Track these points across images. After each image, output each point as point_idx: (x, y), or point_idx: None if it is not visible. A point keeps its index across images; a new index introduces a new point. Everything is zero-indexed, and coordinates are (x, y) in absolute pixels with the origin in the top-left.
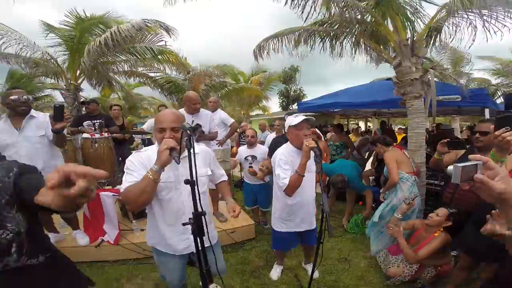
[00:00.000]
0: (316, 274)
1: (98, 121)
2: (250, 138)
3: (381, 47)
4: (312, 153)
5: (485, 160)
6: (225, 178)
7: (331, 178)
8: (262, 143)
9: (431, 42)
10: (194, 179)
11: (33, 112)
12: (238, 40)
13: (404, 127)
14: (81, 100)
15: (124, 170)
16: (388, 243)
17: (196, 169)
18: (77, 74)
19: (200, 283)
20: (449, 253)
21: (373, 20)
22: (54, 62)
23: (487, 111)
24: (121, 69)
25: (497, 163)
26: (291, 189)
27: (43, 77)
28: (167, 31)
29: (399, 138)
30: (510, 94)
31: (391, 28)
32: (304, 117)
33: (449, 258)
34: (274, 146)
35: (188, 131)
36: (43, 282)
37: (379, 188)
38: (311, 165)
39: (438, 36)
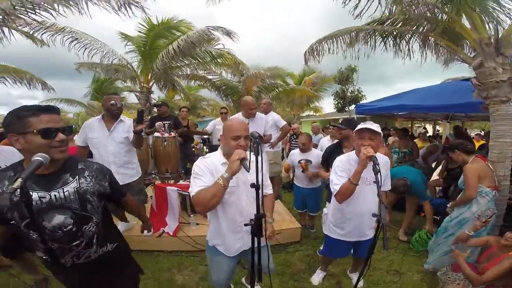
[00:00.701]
0: (361, 284)
1: (167, 122)
2: (302, 146)
3: (456, 45)
4: (370, 163)
5: None
6: (271, 191)
7: (392, 182)
8: (315, 146)
9: None
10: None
11: (122, 117)
12: (287, 39)
13: (483, 132)
14: (153, 102)
15: (192, 174)
16: (451, 262)
17: (262, 175)
18: (149, 77)
19: (242, 280)
20: None
21: (445, 18)
22: (130, 67)
23: None
24: (184, 73)
25: None
26: (341, 196)
27: (118, 80)
28: (228, 35)
29: (476, 145)
30: None
31: (467, 25)
32: (366, 126)
33: None
34: (328, 155)
35: (256, 140)
36: (111, 269)
37: (446, 201)
38: (371, 176)
39: None
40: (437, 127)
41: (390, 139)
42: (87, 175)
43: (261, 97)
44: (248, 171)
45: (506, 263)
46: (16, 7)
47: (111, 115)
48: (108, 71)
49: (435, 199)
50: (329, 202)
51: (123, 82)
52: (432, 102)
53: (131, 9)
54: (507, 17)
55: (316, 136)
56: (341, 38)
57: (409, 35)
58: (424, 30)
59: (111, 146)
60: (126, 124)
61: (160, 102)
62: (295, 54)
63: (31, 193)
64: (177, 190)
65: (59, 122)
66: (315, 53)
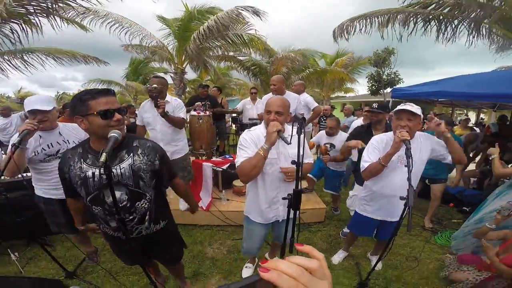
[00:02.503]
0: (379, 266)
1: (206, 102)
2: (329, 130)
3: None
4: (403, 146)
5: None
6: (310, 161)
7: None
8: (347, 128)
9: None
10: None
11: (168, 97)
12: (322, 19)
13: None
14: (201, 83)
15: (238, 146)
16: (469, 246)
17: (303, 148)
18: (182, 59)
19: (266, 255)
20: None
21: (503, 4)
22: (166, 49)
23: None
24: (215, 54)
25: None
26: (367, 173)
27: (155, 62)
28: (257, 14)
29: None
30: None
31: None
32: (405, 107)
33: None
34: (355, 135)
35: (300, 120)
36: (163, 244)
37: (479, 193)
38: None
39: None
40: (482, 115)
41: (426, 126)
42: (140, 153)
43: (290, 78)
44: (288, 143)
45: None
46: None
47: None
48: (146, 52)
49: (468, 190)
50: (358, 184)
51: (159, 64)
52: (478, 90)
53: None
54: None
55: (348, 118)
56: (376, 18)
57: (458, 21)
58: (476, 17)
59: (158, 125)
60: (172, 104)
61: (204, 84)
62: (329, 36)
63: (94, 169)
64: (212, 166)
65: (115, 103)
66: (345, 32)
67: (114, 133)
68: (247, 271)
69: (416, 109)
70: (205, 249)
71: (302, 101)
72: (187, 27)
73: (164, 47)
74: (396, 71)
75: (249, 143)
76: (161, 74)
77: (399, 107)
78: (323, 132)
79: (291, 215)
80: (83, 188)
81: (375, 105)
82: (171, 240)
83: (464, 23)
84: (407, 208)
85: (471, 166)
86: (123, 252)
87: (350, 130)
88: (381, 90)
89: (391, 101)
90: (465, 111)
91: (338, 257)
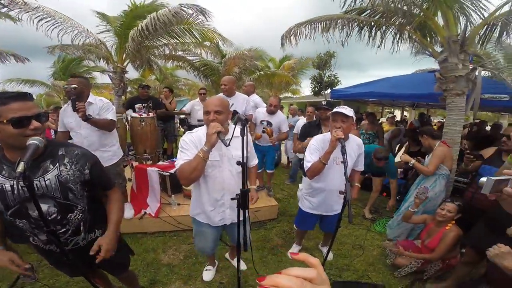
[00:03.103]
0: (330, 257)
1: (148, 103)
2: (273, 108)
3: (428, 40)
4: (339, 144)
5: None
6: (256, 162)
7: (374, 151)
8: (292, 127)
9: (487, 38)
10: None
11: (91, 98)
12: (276, 22)
13: (443, 120)
14: (140, 84)
15: (179, 148)
16: (404, 233)
17: (246, 150)
18: (123, 57)
19: (226, 255)
20: (457, 247)
21: (421, 14)
22: (104, 47)
23: None
24: (161, 53)
25: None
26: (310, 173)
27: (90, 60)
28: (202, 13)
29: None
30: None
31: (441, 22)
32: (339, 110)
33: (457, 252)
34: (304, 132)
35: (243, 122)
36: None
37: (405, 182)
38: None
39: (496, 31)
40: (405, 113)
41: (363, 123)
42: (67, 162)
43: (242, 79)
44: (227, 146)
45: (447, 238)
46: None
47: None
48: (79, 51)
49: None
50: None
51: (94, 62)
52: (399, 91)
53: None
54: (478, 15)
55: (293, 118)
56: (319, 24)
57: (385, 27)
58: (401, 24)
59: (83, 130)
60: (97, 105)
61: (144, 85)
62: (279, 38)
63: (12, 182)
64: (158, 170)
65: (32, 109)
66: (291, 37)
67: (34, 140)
68: (207, 274)
69: (348, 111)
70: (159, 256)
71: (251, 102)
72: (130, 24)
73: (102, 44)
74: (336, 73)
75: (190, 145)
76: (96, 74)
77: (334, 110)
78: (261, 109)
79: (244, 215)
80: (0, 202)
81: (324, 102)
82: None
83: (390, 29)
84: (346, 202)
85: (398, 158)
86: (62, 264)
87: (294, 129)
88: (323, 91)
89: (331, 102)
90: (392, 109)
91: (293, 251)
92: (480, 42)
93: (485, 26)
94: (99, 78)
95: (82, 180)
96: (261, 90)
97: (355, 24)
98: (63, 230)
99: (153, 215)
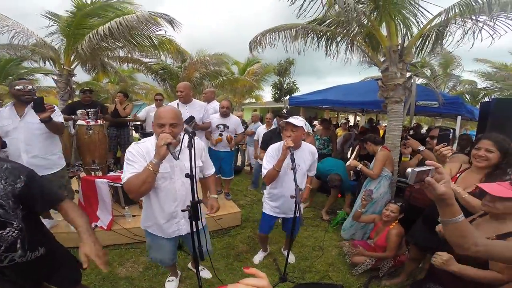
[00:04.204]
0: (293, 259)
1: (92, 109)
2: (225, 109)
3: (373, 50)
4: (289, 153)
5: (437, 166)
6: (213, 171)
7: (329, 176)
8: (253, 133)
9: (424, 48)
10: (193, 173)
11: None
12: (239, 27)
13: None
14: (74, 86)
15: (125, 160)
16: (358, 233)
17: (194, 162)
18: (71, 59)
19: (188, 265)
20: (404, 245)
21: (370, 25)
22: (48, 48)
23: (459, 118)
24: (116, 55)
25: None
26: (267, 179)
27: (33, 61)
28: (171, 23)
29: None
30: (486, 102)
31: (385, 33)
32: (289, 120)
33: (404, 249)
34: (265, 139)
35: (190, 134)
36: (46, 271)
37: (357, 183)
38: (299, 163)
39: (431, 41)
40: (358, 118)
41: (317, 128)
42: None
43: (203, 84)
44: (176, 159)
45: (391, 236)
46: None
47: (21, 102)
48: (20, 51)
49: (349, 181)
50: None
51: (38, 63)
52: (349, 99)
53: None
54: (416, 27)
55: (255, 124)
56: (283, 32)
57: (340, 37)
58: (352, 34)
59: (22, 133)
60: None
61: (87, 88)
62: (245, 44)
63: None
64: (108, 182)
65: None
66: (257, 44)
67: None
68: (170, 285)
69: (298, 122)
70: (115, 270)
71: (211, 109)
72: (81, 24)
73: (46, 45)
74: (294, 80)
75: (137, 157)
76: (39, 76)
77: (286, 120)
78: (214, 115)
79: (200, 225)
80: None
81: (284, 110)
82: (58, 263)
83: (344, 40)
84: (296, 205)
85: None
86: (2, 281)
87: (255, 136)
88: (282, 98)
89: (288, 107)
90: (346, 114)
91: (258, 257)
92: (417, 52)
93: (421, 37)
94: (43, 80)
95: (15, 195)
96: (224, 96)
97: (314, 34)
98: None
99: (105, 228)
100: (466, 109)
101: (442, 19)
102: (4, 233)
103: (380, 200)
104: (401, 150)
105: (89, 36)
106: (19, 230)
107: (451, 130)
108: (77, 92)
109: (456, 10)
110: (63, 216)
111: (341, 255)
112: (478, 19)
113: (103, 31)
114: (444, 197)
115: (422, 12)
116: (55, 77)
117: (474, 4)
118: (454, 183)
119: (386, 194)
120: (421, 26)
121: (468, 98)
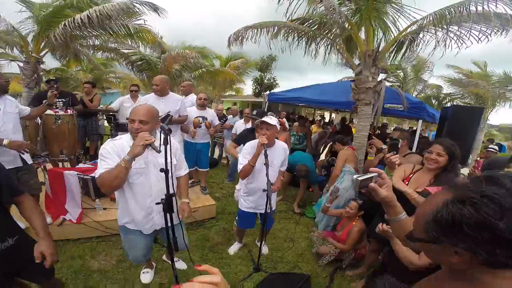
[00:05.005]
0: (266, 251)
1: (62, 99)
2: (203, 101)
3: (350, 53)
4: (263, 149)
5: (380, 172)
6: (187, 172)
7: (296, 167)
8: (231, 127)
9: (398, 53)
10: (169, 168)
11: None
12: (225, 20)
13: None
14: (42, 73)
15: (99, 156)
16: (328, 226)
17: (168, 159)
18: (41, 46)
19: (163, 257)
20: (365, 238)
21: (349, 28)
22: (17, 34)
23: (420, 122)
24: (91, 43)
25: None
26: (242, 174)
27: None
28: (155, 11)
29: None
30: (446, 108)
31: (363, 37)
32: (263, 119)
33: (365, 243)
34: (241, 135)
35: (166, 132)
36: (16, 263)
37: (327, 178)
38: (273, 160)
39: (405, 47)
40: (333, 115)
41: (294, 125)
42: None
43: (182, 76)
44: (159, 152)
45: (353, 232)
46: None
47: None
48: None
49: (320, 177)
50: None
51: (3, 49)
52: (324, 98)
53: None
54: (392, 33)
55: (233, 118)
56: (265, 29)
57: (319, 39)
58: (332, 36)
59: None
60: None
61: (53, 78)
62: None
63: None
64: (77, 174)
65: None
66: (239, 39)
67: None
68: (146, 277)
69: (272, 121)
70: (87, 263)
71: (188, 102)
72: (58, 12)
73: (16, 32)
74: (275, 76)
75: (111, 153)
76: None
77: (261, 119)
78: (191, 108)
79: (175, 217)
80: None
81: (255, 112)
82: (30, 256)
83: (323, 41)
84: (267, 199)
85: (322, 157)
86: None
87: (233, 129)
88: (262, 93)
89: (267, 103)
90: (322, 111)
91: (233, 248)
92: (391, 57)
93: (395, 43)
94: (7, 67)
95: None
96: (204, 88)
97: (295, 33)
98: None
99: (74, 221)
100: (428, 113)
101: (416, 27)
102: None
103: (344, 194)
104: (367, 150)
105: (65, 23)
106: None
107: (400, 140)
108: (45, 79)
109: (431, 19)
110: (20, 211)
111: (310, 246)
112: (449, 29)
113: (81, 18)
114: (386, 200)
115: (403, 19)
116: (21, 64)
117: (448, 14)
118: (408, 183)
119: (350, 188)
120: (398, 32)
121: (434, 102)
